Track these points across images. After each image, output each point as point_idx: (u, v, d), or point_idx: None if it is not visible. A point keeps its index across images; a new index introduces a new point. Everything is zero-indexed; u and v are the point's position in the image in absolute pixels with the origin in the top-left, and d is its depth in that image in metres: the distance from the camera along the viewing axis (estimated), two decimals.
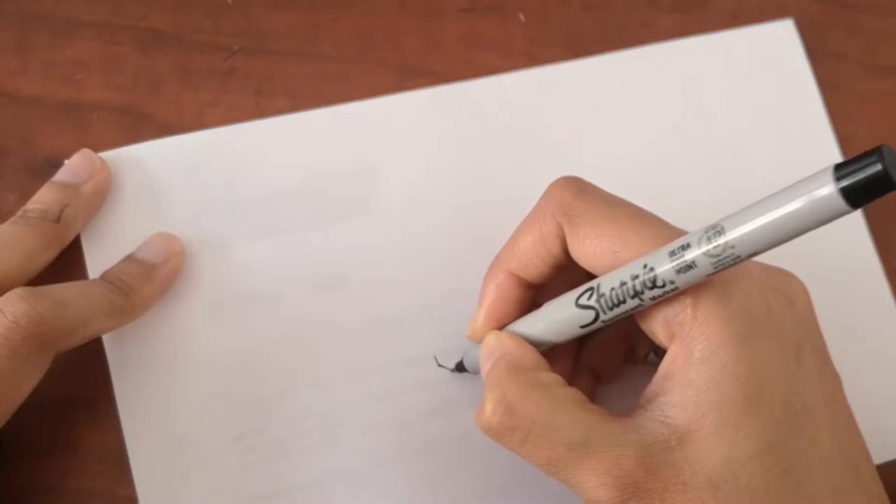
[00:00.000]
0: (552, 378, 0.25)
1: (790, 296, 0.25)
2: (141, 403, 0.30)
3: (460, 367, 0.30)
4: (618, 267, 0.24)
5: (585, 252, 0.25)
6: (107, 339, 0.30)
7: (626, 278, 0.23)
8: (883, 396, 0.33)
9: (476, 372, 0.29)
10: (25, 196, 0.30)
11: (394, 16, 0.35)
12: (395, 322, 0.32)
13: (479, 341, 0.27)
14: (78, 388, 0.30)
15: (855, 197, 0.18)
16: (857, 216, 0.35)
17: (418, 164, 0.33)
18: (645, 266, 0.22)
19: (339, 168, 0.33)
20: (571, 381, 0.28)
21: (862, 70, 0.37)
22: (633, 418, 0.23)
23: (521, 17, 0.36)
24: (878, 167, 0.17)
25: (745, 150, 0.35)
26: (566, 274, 0.27)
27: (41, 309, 0.25)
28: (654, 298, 0.23)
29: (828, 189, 0.18)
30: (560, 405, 0.24)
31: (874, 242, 0.35)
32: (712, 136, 0.35)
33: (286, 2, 0.35)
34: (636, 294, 0.23)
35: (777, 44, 0.36)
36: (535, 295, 0.28)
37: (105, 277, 0.29)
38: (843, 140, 0.36)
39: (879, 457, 0.30)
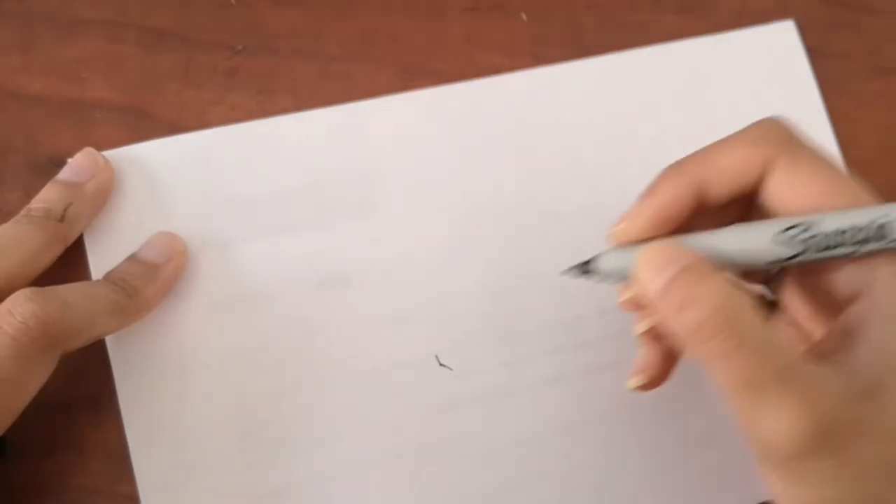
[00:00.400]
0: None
1: None
2: (143, 402, 0.30)
3: (586, 270, 0.26)
4: (819, 212, 0.23)
5: (794, 190, 0.24)
6: (109, 338, 0.30)
7: (858, 222, 0.22)
8: None
9: (613, 278, 0.26)
10: (29, 195, 0.30)
11: (397, 15, 0.35)
12: (395, 322, 0.32)
13: (633, 240, 0.25)
14: (80, 387, 0.30)
15: None
16: None
17: (421, 163, 0.33)
18: (888, 214, 0.22)
19: (342, 167, 0.33)
20: None
21: (864, 71, 0.37)
22: (824, 367, 0.23)
23: (524, 16, 0.36)
24: None
25: None
26: (709, 218, 0.25)
27: (49, 310, 0.25)
28: (871, 251, 0.22)
29: None
30: (770, 327, 0.22)
31: None
32: (714, 137, 0.35)
33: (289, 1, 0.35)
34: (861, 241, 0.22)
35: (778, 45, 0.36)
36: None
37: (109, 278, 0.29)
38: (843, 141, 0.36)
39: None
